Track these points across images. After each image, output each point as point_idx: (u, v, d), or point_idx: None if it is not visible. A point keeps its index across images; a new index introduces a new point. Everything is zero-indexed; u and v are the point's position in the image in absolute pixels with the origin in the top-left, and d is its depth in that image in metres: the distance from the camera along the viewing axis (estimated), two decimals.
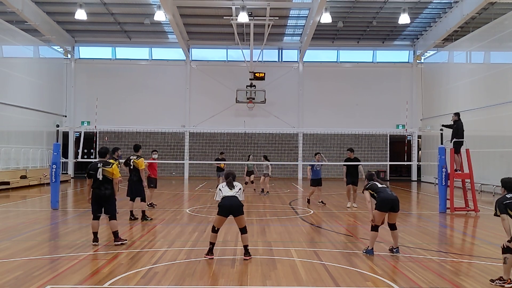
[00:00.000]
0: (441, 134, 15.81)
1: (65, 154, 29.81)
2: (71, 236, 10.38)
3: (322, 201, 16.31)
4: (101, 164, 9.27)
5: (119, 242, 9.17)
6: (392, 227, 8.60)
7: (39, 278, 6.75)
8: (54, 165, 14.68)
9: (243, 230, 8.19)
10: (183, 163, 31.11)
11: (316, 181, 16.26)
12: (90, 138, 29.50)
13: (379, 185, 8.70)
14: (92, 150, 31.44)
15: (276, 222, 12.57)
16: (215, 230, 8.19)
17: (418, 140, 31.81)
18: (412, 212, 15.98)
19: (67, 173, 29.62)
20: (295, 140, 30.74)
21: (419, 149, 31.64)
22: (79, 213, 14.36)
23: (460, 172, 15.20)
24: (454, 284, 6.73)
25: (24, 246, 9.02)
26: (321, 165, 16.48)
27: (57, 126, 16.05)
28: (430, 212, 15.12)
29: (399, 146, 30.61)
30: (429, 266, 7.79)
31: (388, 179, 31.85)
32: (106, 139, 31.41)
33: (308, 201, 16.59)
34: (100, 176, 9.18)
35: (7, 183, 21.59)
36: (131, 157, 12.63)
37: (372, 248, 8.59)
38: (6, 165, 23.42)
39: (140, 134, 31.01)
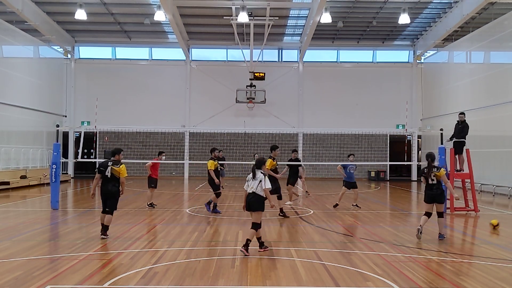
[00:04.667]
0: (441, 134, 15.80)
1: (65, 154, 29.80)
2: (71, 236, 10.37)
3: (356, 205, 15.25)
4: (111, 162, 9.85)
5: (105, 237, 9.69)
6: (438, 215, 10.05)
7: (39, 278, 6.76)
8: (54, 165, 14.69)
9: (252, 225, 8.52)
10: (183, 163, 31.11)
11: (349, 184, 15.22)
12: (90, 138, 29.55)
13: (430, 181, 10.17)
14: (92, 150, 31.47)
15: (276, 222, 12.57)
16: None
17: (418, 140, 31.82)
18: (412, 212, 15.98)
19: (67, 173, 29.63)
20: (295, 140, 30.73)
21: (419, 149, 31.64)
22: (79, 213, 14.38)
23: (461, 171, 15.20)
24: (454, 284, 6.73)
25: (24, 246, 9.02)
26: (356, 167, 15.59)
27: (57, 126, 16.05)
28: None
29: (399, 146, 30.63)
30: (429, 266, 7.79)
31: (388, 179, 31.86)
32: (106, 139, 31.42)
33: (335, 205, 15.35)
34: (108, 174, 9.74)
35: (7, 183, 21.59)
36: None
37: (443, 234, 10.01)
38: (6, 165, 23.42)
39: (140, 134, 31.02)
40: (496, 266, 7.77)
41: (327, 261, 7.95)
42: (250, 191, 8.60)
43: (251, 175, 8.74)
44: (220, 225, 11.90)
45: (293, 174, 15.19)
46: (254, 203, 8.56)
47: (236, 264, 7.76)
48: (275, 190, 12.75)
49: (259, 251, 8.50)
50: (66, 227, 11.90)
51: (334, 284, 6.69)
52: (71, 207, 16.48)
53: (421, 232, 9.88)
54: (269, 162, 13.07)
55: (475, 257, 8.62)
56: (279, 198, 13.24)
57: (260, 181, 8.57)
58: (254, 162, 8.97)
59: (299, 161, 15.99)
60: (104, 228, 9.76)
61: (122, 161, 10.20)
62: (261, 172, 8.73)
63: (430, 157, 10.27)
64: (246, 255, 8.20)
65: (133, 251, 8.66)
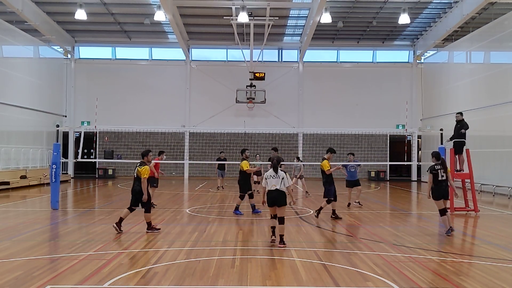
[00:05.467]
0: (441, 134, 15.80)
1: (65, 154, 29.79)
2: (71, 236, 10.38)
3: (359, 202, 15.93)
4: (138, 164, 10.81)
5: (150, 231, 10.54)
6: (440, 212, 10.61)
7: (39, 278, 6.76)
8: (54, 165, 14.68)
9: (280, 220, 9.27)
10: (183, 163, 31.11)
11: (351, 183, 15.70)
12: (90, 138, 29.54)
13: (439, 178, 10.57)
14: (92, 150, 31.47)
15: (276, 222, 12.54)
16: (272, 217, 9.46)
17: (418, 140, 31.82)
18: (412, 212, 15.99)
19: (67, 173, 29.62)
20: (295, 140, 30.74)
21: (419, 149, 31.64)
22: (79, 213, 14.38)
23: (461, 171, 15.19)
24: (454, 284, 6.73)
25: (24, 246, 9.02)
26: (358, 165, 15.95)
27: (57, 126, 16.05)
28: (430, 212, 15.10)
29: (399, 146, 30.63)
30: (429, 266, 7.79)
31: (388, 179, 31.87)
32: (106, 139, 31.42)
33: (348, 204, 15.70)
34: (134, 174, 10.77)
35: (7, 183, 21.58)
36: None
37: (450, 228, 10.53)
38: (6, 165, 23.42)
39: (140, 134, 31.03)
40: (496, 266, 7.78)
41: (327, 261, 7.95)
42: (273, 188, 9.19)
43: (270, 172, 9.35)
44: (220, 225, 11.90)
45: None
46: (280, 198, 9.19)
47: (236, 264, 7.76)
48: (329, 192, 12.82)
49: (279, 247, 9.03)
50: (66, 227, 11.90)
51: (334, 284, 6.69)
52: (71, 207, 16.47)
53: (452, 230, 10.60)
54: (326, 163, 13.01)
55: (475, 257, 8.62)
56: (334, 200, 12.97)
57: (283, 178, 9.24)
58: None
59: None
60: (148, 224, 10.66)
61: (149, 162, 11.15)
62: (282, 170, 9.47)
63: (440, 155, 10.92)
64: (285, 247, 9.03)
65: (133, 251, 8.66)
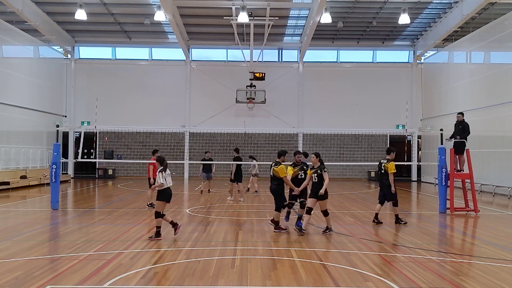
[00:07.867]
0: (441, 134, 15.80)
1: (65, 154, 29.79)
2: (71, 236, 10.38)
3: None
4: (274, 163, 10.98)
5: (278, 231, 10.78)
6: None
7: (39, 278, 6.76)
8: (54, 165, 14.67)
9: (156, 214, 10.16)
10: (183, 163, 31.11)
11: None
12: (90, 138, 29.54)
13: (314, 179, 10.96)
14: (92, 150, 31.47)
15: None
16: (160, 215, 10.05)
17: (418, 140, 31.81)
18: (412, 212, 15.99)
19: (67, 173, 29.62)
20: (295, 140, 30.70)
21: (419, 149, 31.63)
22: (79, 213, 14.38)
23: (461, 172, 15.19)
24: (454, 284, 6.73)
25: (24, 246, 9.02)
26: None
27: (57, 126, 16.04)
28: (430, 212, 15.12)
29: (399, 146, 30.60)
30: (429, 266, 7.79)
31: None
32: (106, 139, 31.43)
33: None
34: (271, 173, 11.02)
35: (7, 183, 21.58)
36: (382, 161, 13.61)
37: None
38: (6, 165, 23.42)
39: (140, 134, 31.02)
40: (496, 266, 7.78)
41: (327, 261, 7.95)
42: (171, 185, 10.21)
43: (168, 172, 10.09)
44: (220, 225, 11.90)
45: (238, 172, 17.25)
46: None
47: (236, 264, 7.76)
48: (393, 195, 12.44)
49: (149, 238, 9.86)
50: (66, 227, 11.90)
51: (334, 284, 6.69)
52: (71, 207, 16.48)
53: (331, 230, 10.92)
54: (391, 165, 12.72)
55: (475, 257, 8.62)
56: (395, 205, 12.55)
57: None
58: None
59: (241, 159, 17.50)
60: (274, 223, 10.92)
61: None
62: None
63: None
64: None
65: (133, 251, 8.66)
